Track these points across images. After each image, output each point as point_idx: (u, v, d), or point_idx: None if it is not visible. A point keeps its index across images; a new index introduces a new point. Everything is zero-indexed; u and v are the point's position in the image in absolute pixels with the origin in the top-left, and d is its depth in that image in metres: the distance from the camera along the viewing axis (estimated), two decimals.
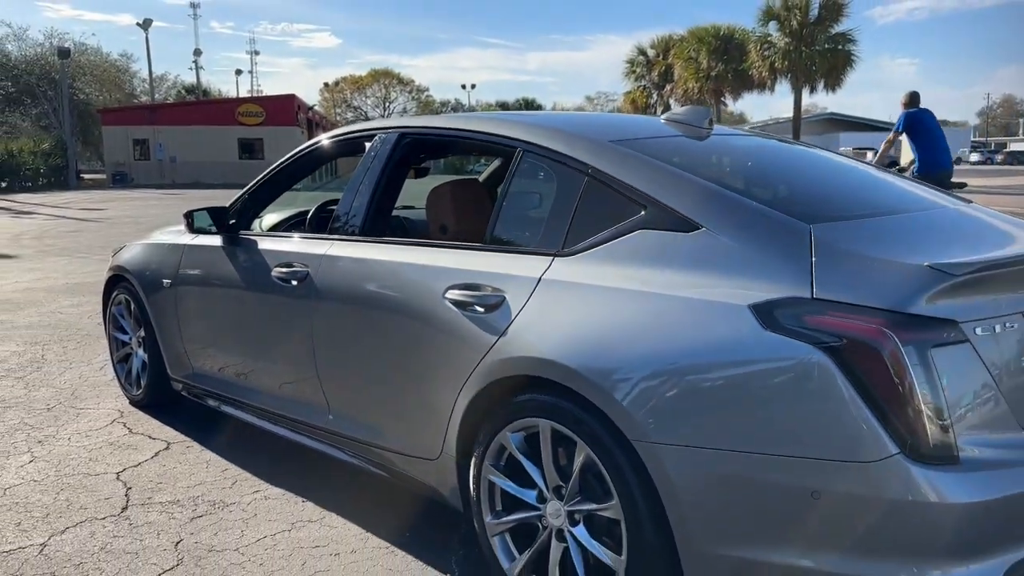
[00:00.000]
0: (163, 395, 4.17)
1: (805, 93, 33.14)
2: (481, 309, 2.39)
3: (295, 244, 3.25)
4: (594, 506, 2.13)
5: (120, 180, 39.31)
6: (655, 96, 42.12)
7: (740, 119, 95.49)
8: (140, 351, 4.24)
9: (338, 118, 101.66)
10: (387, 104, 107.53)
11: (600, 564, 2.14)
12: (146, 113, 43.00)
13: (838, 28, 31.67)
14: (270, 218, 3.98)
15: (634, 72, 42.30)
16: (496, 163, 4.12)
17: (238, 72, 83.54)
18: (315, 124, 50.72)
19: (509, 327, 2.30)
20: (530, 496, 2.32)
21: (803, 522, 1.80)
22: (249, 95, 73.30)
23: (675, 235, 2.12)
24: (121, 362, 4.46)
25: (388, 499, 3.10)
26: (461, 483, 2.52)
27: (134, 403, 4.35)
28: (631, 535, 2.03)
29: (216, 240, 3.62)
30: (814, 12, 31.35)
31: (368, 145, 3.14)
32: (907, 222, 2.32)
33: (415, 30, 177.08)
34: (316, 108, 50.84)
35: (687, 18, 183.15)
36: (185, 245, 3.84)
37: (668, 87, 39.38)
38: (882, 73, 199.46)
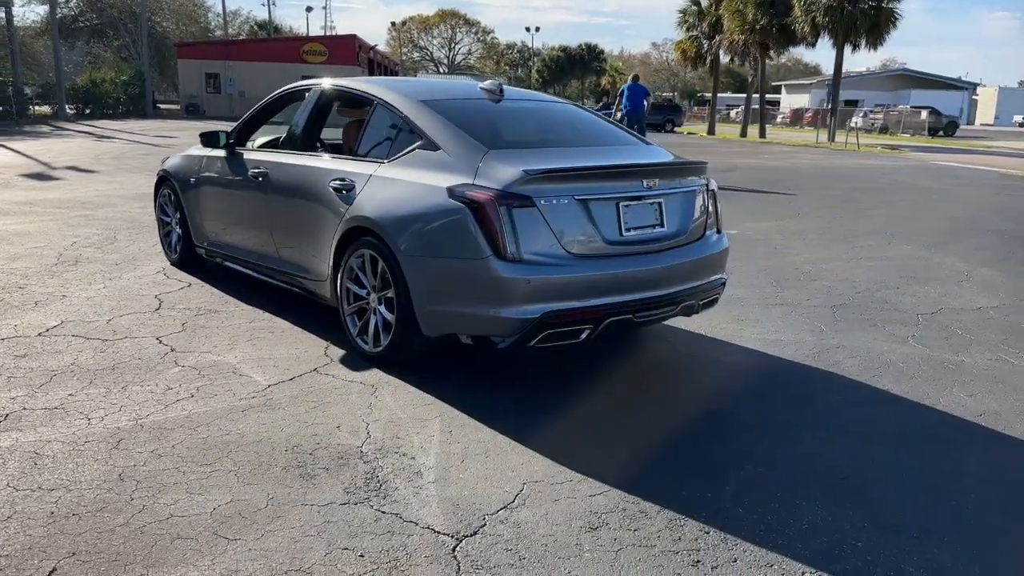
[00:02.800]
0: (191, 257, 6.27)
1: (848, 49, 33.56)
2: (345, 191, 4.36)
3: (262, 155, 5.26)
4: (386, 292, 4.12)
5: (193, 111, 42.16)
6: (706, 46, 42.71)
7: (815, 70, 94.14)
8: (177, 228, 6.34)
9: (404, 58, 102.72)
10: (452, 45, 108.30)
11: (388, 321, 4.13)
12: (218, 48, 45.61)
13: None
14: (260, 140, 5.98)
15: (686, 22, 42.87)
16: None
17: (308, 9, 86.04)
18: (376, 64, 52.69)
19: (355, 201, 4.27)
20: (363, 292, 4.31)
21: (457, 289, 3.75)
22: (322, 32, 75.59)
23: (430, 152, 4.05)
24: (165, 236, 6.58)
25: (304, 308, 5.13)
26: (334, 291, 4.52)
27: (173, 264, 6.47)
28: (398, 304, 4.01)
29: (222, 153, 5.66)
30: None
31: (307, 95, 5.11)
32: (555, 151, 4.20)
33: None
34: (378, 47, 52.77)
35: None
36: (204, 156, 5.89)
37: (717, 38, 39.98)
38: (979, 27, 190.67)
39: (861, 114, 51.23)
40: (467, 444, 3.33)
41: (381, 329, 4.20)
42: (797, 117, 58.99)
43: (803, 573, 2.52)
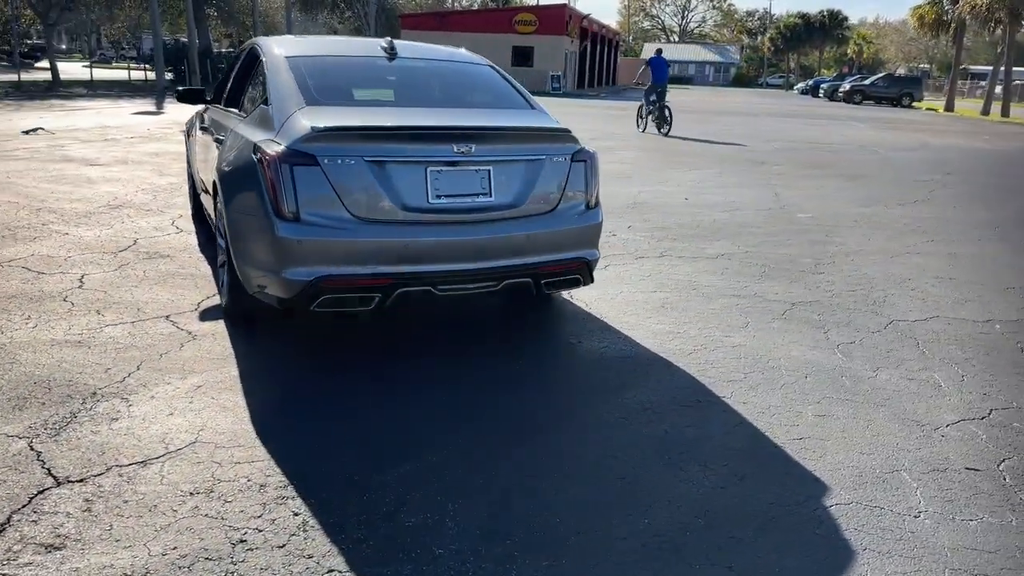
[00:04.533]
0: (198, 205, 6.75)
1: None
2: (220, 146, 4.49)
3: (211, 112, 5.53)
4: (223, 246, 4.20)
5: None
6: (949, 12, 38.10)
7: None
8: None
9: (634, 27, 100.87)
10: (686, 13, 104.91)
11: (226, 279, 4.23)
12: (437, 20, 47.73)
13: None
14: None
15: None
16: None
17: None
18: (591, 33, 52.44)
19: (220, 153, 4.39)
20: (223, 246, 4.43)
21: (252, 246, 3.74)
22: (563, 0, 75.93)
23: (267, 108, 4.05)
24: (190, 188, 7.14)
25: None
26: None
27: (192, 214, 7.00)
28: (227, 257, 4.09)
29: (201, 108, 6.01)
30: None
31: (243, 54, 5.28)
32: (385, 110, 4.00)
33: None
34: (591, 16, 52.34)
35: None
36: (197, 112, 6.29)
37: (960, 2, 35.43)
38: None
39: None
40: (197, 401, 3.35)
41: (224, 283, 4.30)
42: None
43: (329, 571, 2.29)
